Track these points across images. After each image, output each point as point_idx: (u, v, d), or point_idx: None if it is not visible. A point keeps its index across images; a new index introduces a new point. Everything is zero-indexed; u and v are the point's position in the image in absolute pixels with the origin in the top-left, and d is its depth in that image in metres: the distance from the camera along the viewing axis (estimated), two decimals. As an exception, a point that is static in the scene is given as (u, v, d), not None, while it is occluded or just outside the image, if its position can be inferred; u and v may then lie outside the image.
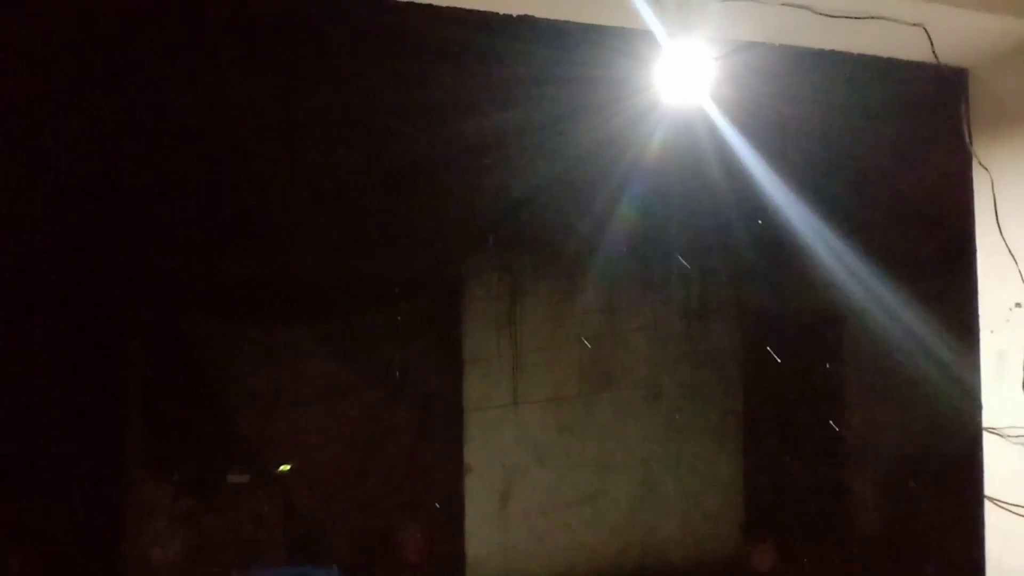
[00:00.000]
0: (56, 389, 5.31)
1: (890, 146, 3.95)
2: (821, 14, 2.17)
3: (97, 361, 5.35)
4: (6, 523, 5.23)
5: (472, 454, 5.61)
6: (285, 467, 5.32)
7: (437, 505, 5.66)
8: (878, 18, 2.30)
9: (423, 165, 4.43)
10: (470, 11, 1.92)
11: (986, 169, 2.71)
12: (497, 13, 2.00)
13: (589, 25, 2.12)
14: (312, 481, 5.92)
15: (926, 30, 2.39)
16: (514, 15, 2.04)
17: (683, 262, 5.65)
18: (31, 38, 3.24)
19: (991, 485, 2.89)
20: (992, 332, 2.84)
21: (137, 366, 5.42)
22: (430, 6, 1.85)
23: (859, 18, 2.28)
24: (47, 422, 5.32)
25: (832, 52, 2.60)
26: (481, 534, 5.59)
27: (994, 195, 2.68)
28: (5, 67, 3.37)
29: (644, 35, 2.17)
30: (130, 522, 5.38)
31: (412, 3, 1.85)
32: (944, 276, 4.00)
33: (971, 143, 2.75)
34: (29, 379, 5.27)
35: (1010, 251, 2.65)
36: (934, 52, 2.54)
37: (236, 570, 5.43)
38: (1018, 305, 2.74)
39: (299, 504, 5.85)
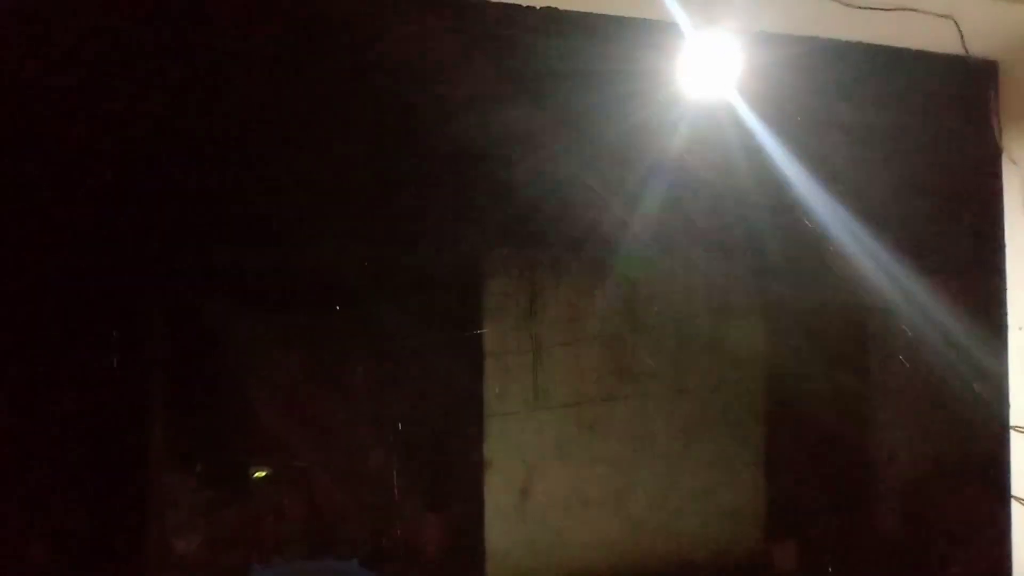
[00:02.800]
0: (78, 381, 5.37)
1: (918, 140, 3.90)
2: (849, 5, 2.15)
3: (119, 353, 5.40)
4: (29, 515, 5.30)
5: (492, 450, 5.61)
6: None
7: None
8: (907, 9, 2.27)
9: (444, 159, 4.43)
10: (492, 3, 1.91)
11: (1015, 164, 2.68)
12: (520, 5, 2.00)
13: (613, 16, 2.11)
14: (333, 475, 5.95)
15: (955, 21, 2.36)
16: (537, 7, 2.03)
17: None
18: (42, 25, 3.27)
19: (1018, 484, 2.86)
20: (1021, 329, 2.80)
21: (159, 359, 5.47)
22: (452, -1, 1.85)
23: (888, 9, 2.26)
24: (69, 414, 5.38)
25: (860, 44, 2.58)
26: (501, 529, 5.59)
27: (1024, 188, 2.65)
28: (21, 51, 3.40)
29: (669, 27, 2.15)
30: (152, 514, 5.43)
31: (433, -5, 1.85)
32: (973, 272, 3.94)
33: (1000, 136, 2.71)
34: (51, 372, 5.33)
35: (1040, 246, 2.61)
36: (963, 44, 2.51)
37: (257, 562, 5.48)
38: (1048, 302, 2.70)
39: (320, 498, 5.88)
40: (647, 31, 2.29)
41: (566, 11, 2.03)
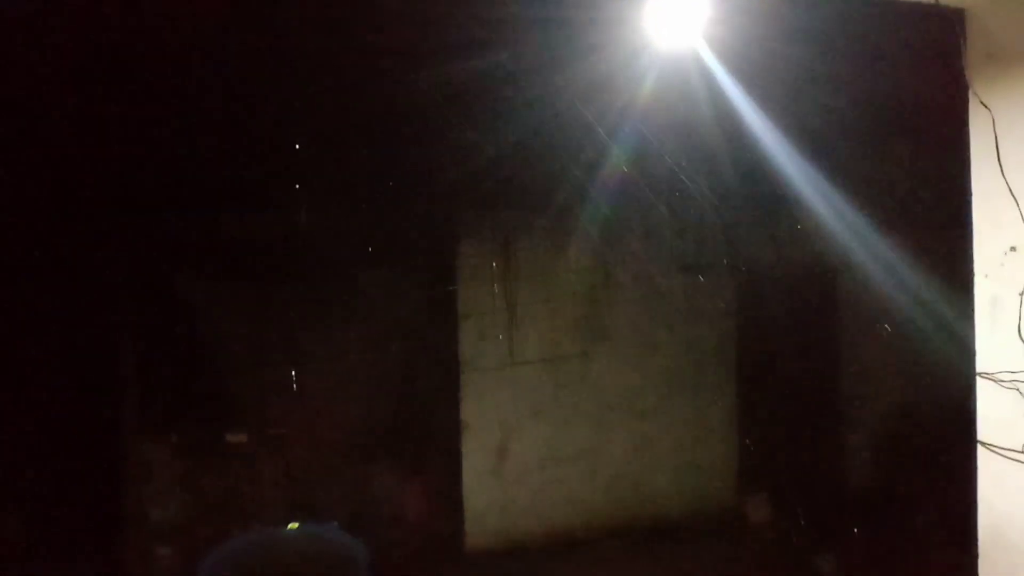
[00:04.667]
0: (50, 352, 5.30)
1: (886, 88, 3.89)
2: (816, -50, 2.12)
3: (92, 323, 5.33)
4: (4, 488, 5.25)
5: (469, 411, 5.62)
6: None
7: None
8: (874, -46, 2.24)
9: (408, 115, 4.36)
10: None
11: (987, 108, 2.67)
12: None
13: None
14: (310, 440, 5.94)
15: (923, -34, 2.34)
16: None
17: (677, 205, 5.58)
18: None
19: (984, 430, 2.90)
20: (986, 277, 2.82)
21: (132, 327, 5.40)
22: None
23: (855, -46, 2.23)
24: (42, 385, 5.30)
25: (827, -9, 2.54)
26: (479, 490, 5.63)
27: (996, 134, 2.65)
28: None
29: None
30: (129, 483, 5.40)
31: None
32: (939, 222, 3.97)
33: (970, 82, 2.71)
34: (23, 343, 5.24)
35: (1011, 190, 2.62)
36: (931, -10, 2.48)
37: (238, 529, 5.48)
38: (1013, 249, 2.72)
39: (298, 463, 5.87)
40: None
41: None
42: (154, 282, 5.47)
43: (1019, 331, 2.68)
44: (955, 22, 2.77)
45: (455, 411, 5.62)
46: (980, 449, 2.91)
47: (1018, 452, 2.74)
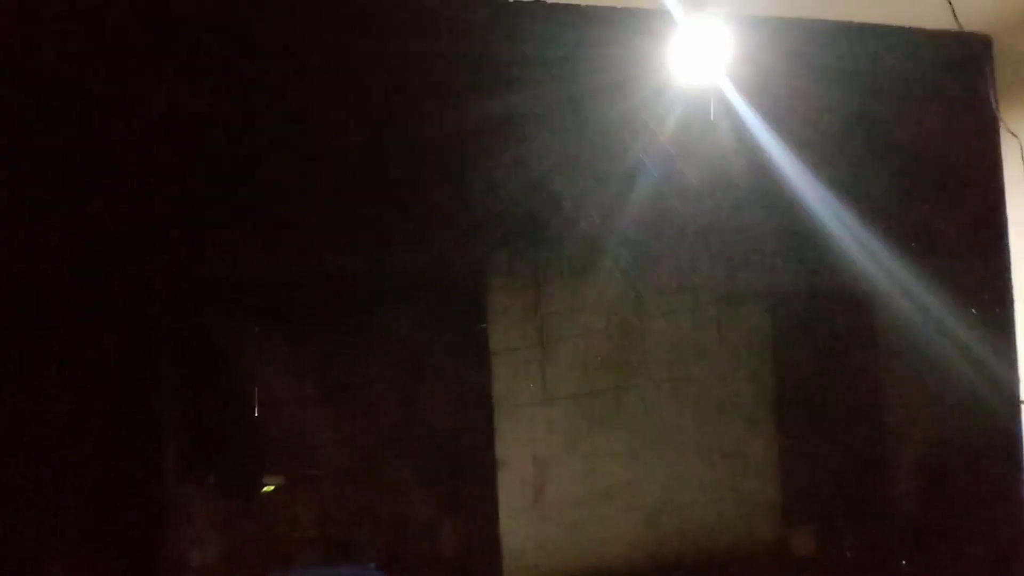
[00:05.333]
0: (87, 396, 5.39)
1: (915, 120, 3.89)
2: (838, -15, 2.14)
3: (129, 367, 5.42)
4: (44, 529, 5.32)
5: (503, 449, 5.60)
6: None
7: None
8: (897, -14, 2.26)
9: (438, 154, 4.42)
10: (482, -5, 1.91)
11: (1015, 136, 2.67)
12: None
13: (601, 6, 2.11)
14: (346, 481, 5.95)
15: (947, -4, 2.35)
16: (524, -1, 2.03)
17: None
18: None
19: (1032, 459, 2.84)
20: (1027, 303, 2.79)
21: (168, 372, 5.48)
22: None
23: (878, -13, 2.25)
24: (80, 429, 5.40)
25: (852, 24, 2.56)
26: (516, 528, 5.59)
27: (1024, 161, 2.64)
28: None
29: (659, 13, 2.15)
30: (167, 526, 5.45)
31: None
32: (975, 249, 3.92)
33: (998, 110, 2.70)
34: (60, 387, 5.35)
35: (1043, 217, 2.60)
36: (956, 19, 2.49)
37: (274, 571, 5.49)
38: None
39: (334, 505, 5.89)
40: (637, 18, 2.29)
41: (554, 2, 2.03)
42: (190, 327, 5.56)
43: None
44: (982, 49, 2.78)
45: (490, 449, 5.60)
46: (1028, 479, 2.85)
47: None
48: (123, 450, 5.43)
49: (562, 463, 5.68)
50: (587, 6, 2.11)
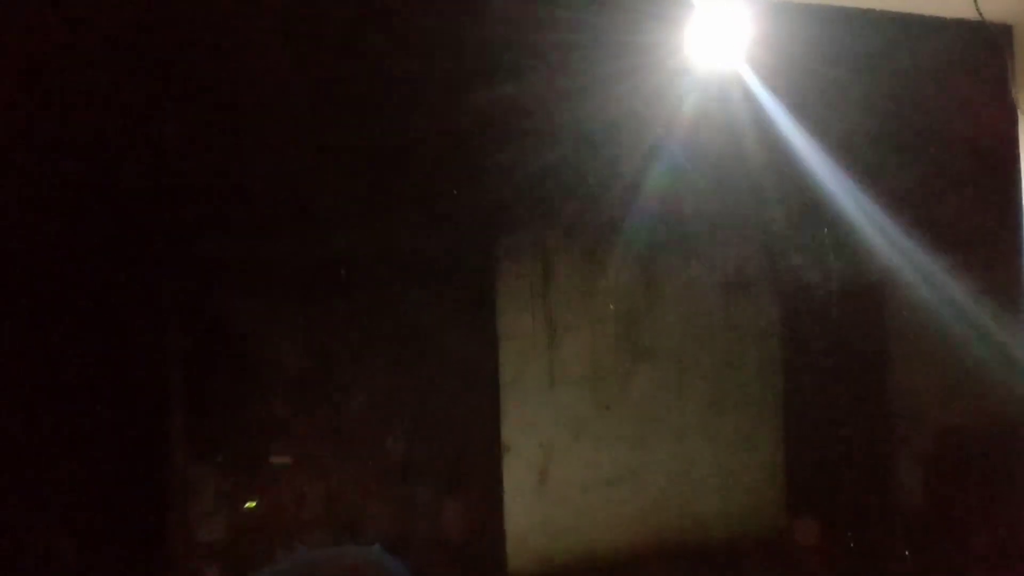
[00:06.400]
0: (98, 374, 5.41)
1: (932, 108, 3.84)
2: (859, -29, 2.11)
3: (138, 345, 5.44)
4: (54, 508, 5.36)
5: (509, 433, 5.61)
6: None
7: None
8: (919, -27, 2.22)
9: (448, 139, 4.40)
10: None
11: (1034, 127, 2.63)
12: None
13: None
14: (352, 462, 5.98)
15: (969, -16, 2.31)
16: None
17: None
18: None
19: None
20: (1042, 296, 2.76)
21: (178, 349, 5.50)
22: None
23: (899, -26, 2.21)
24: (89, 409, 5.42)
25: (871, 11, 2.53)
26: (521, 512, 5.61)
27: (1043, 153, 2.60)
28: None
29: (675, -2, 2.12)
30: (176, 503, 5.48)
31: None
32: (990, 241, 3.89)
33: (1018, 100, 2.67)
34: (70, 367, 5.37)
35: (1061, 210, 2.57)
36: (977, 8, 2.46)
37: (281, 549, 5.53)
38: (1069, 268, 2.65)
39: (340, 485, 5.91)
40: (653, 2, 2.26)
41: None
42: (199, 305, 5.56)
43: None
44: (1002, 39, 2.74)
45: (495, 433, 5.61)
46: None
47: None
48: (131, 427, 5.46)
49: (568, 448, 5.68)
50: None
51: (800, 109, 3.48)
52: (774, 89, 3.28)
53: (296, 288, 5.84)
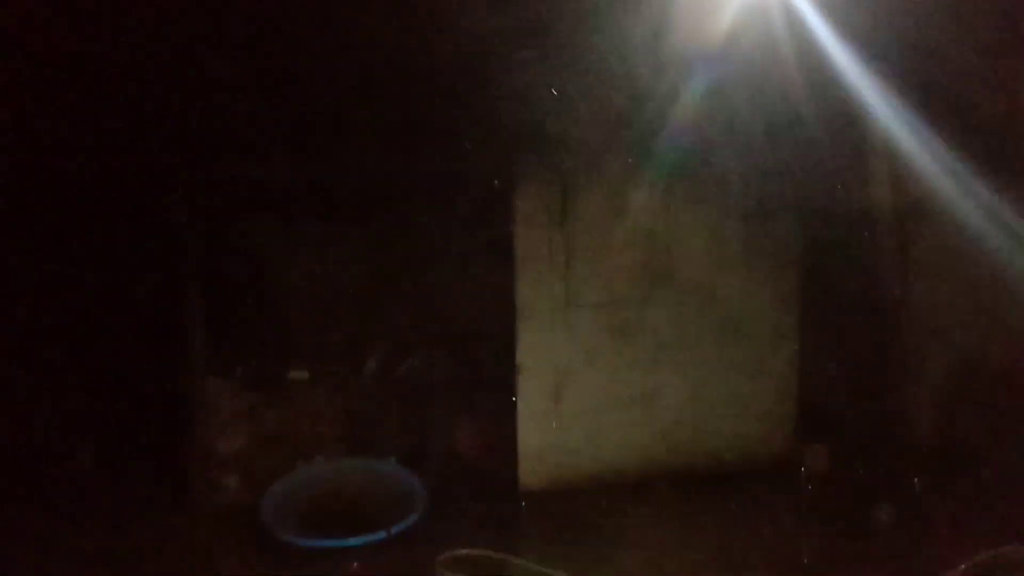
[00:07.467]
0: (118, 292, 5.49)
1: (974, 19, 3.67)
2: None
3: (157, 264, 5.49)
4: (75, 420, 5.51)
5: (524, 354, 5.66)
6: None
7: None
8: None
9: (469, 58, 4.30)
10: None
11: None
12: None
13: None
14: (369, 380, 6.08)
15: None
16: None
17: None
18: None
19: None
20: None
21: (196, 268, 5.55)
22: None
23: None
24: (112, 325, 5.52)
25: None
26: (533, 432, 5.70)
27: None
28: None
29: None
30: (196, 417, 5.61)
31: None
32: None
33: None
34: (90, 282, 5.44)
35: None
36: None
37: (300, 461, 5.68)
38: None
39: (357, 402, 6.02)
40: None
41: None
42: (218, 224, 5.59)
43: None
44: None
45: (510, 354, 5.66)
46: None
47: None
48: (152, 344, 5.56)
49: (582, 371, 5.73)
50: None
51: (839, 18, 3.26)
52: (804, 9, 3.13)
53: (315, 210, 5.85)
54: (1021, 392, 4.89)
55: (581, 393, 5.73)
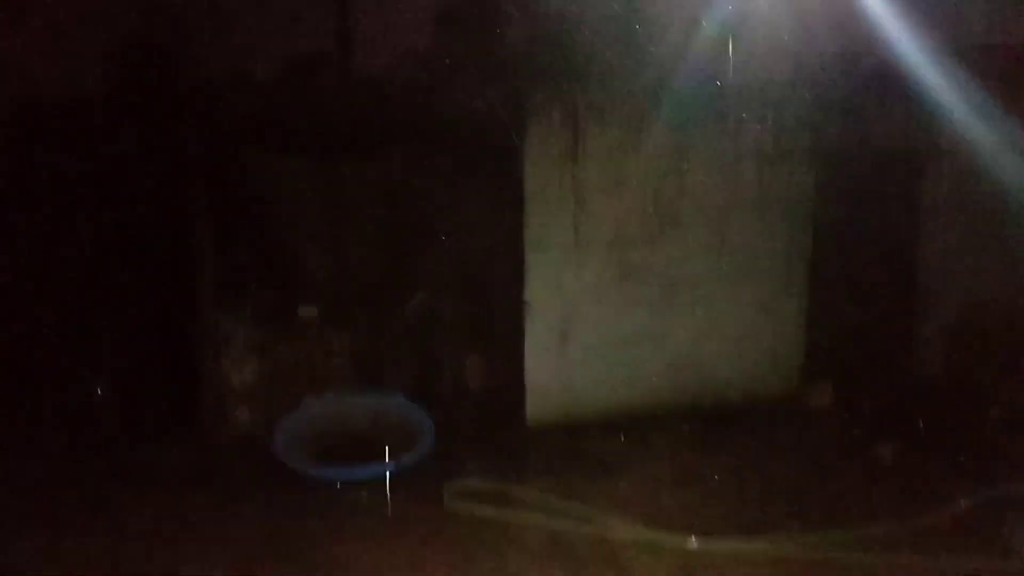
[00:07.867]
0: (128, 229, 5.50)
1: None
2: None
3: (167, 201, 5.49)
4: (88, 357, 5.57)
5: (532, 292, 5.66)
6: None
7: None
8: None
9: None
10: None
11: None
12: None
13: None
14: (378, 316, 6.10)
15: None
16: None
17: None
18: None
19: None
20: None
21: (206, 206, 5.54)
22: None
23: None
24: (122, 262, 5.54)
25: None
26: (541, 368, 5.73)
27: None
28: None
29: None
30: (207, 353, 5.66)
31: None
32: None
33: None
34: (104, 222, 5.45)
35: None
36: None
37: (310, 395, 5.74)
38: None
39: (366, 338, 6.05)
40: None
41: None
42: (227, 161, 5.56)
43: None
44: None
45: (519, 291, 5.66)
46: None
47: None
48: (164, 281, 5.59)
49: (590, 308, 5.74)
50: None
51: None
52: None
53: (322, 146, 5.80)
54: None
55: (589, 330, 5.75)
